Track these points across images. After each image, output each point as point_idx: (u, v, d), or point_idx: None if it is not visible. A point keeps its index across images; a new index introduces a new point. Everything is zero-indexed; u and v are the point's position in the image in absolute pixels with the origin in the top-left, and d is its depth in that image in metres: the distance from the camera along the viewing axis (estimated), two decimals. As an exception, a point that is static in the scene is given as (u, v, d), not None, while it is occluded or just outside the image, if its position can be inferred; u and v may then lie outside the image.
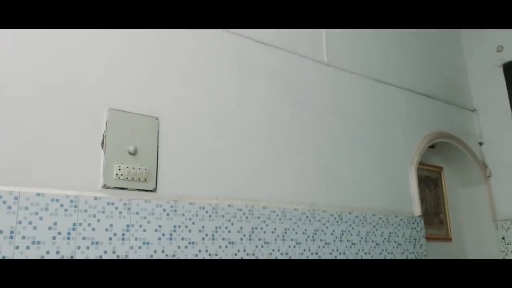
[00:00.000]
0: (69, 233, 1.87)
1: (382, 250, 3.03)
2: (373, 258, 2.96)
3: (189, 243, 2.21)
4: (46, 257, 1.80)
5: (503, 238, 3.89)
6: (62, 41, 2.06)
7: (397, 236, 3.16)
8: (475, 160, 4.06)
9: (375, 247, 3.00)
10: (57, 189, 1.89)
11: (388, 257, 3.05)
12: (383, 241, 3.06)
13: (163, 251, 2.10)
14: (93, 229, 1.94)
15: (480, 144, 4.18)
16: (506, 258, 3.84)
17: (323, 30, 3.20)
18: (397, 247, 3.12)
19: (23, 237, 1.77)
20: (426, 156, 3.79)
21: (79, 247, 1.88)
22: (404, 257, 3.14)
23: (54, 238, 1.83)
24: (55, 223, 1.85)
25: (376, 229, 3.05)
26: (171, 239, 2.15)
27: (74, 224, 1.89)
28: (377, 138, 3.32)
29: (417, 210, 3.37)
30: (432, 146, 3.85)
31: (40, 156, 1.90)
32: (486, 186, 4.05)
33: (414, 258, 3.21)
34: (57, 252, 1.83)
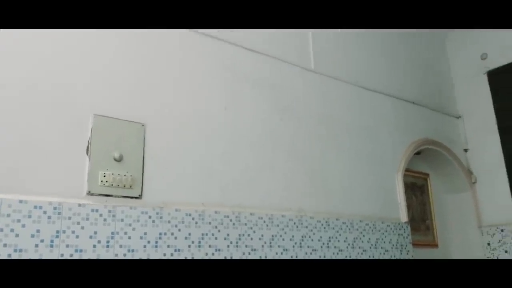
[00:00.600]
0: (52, 241, 1.84)
1: (369, 256, 3.04)
2: (360, 264, 2.97)
3: (175, 250, 2.19)
4: (28, 265, 1.76)
5: (488, 244, 3.93)
6: (47, 47, 2.04)
7: (384, 242, 3.17)
8: (461, 166, 4.10)
9: (362, 253, 3.00)
10: (40, 196, 1.86)
11: (375, 264, 3.06)
12: (370, 247, 3.07)
13: (148, 259, 2.08)
14: (77, 237, 1.91)
15: (465, 150, 4.22)
16: (492, 263, 3.88)
17: (310, 37, 3.22)
18: (384, 253, 3.13)
19: (5, 245, 1.73)
20: (413, 162, 3.82)
21: (62, 255, 1.85)
22: (391, 263, 3.15)
23: (36, 245, 1.80)
24: (38, 231, 1.82)
25: (363, 235, 3.05)
26: (156, 246, 2.13)
27: (57, 232, 1.86)
28: (363, 144, 3.34)
29: (403, 216, 3.39)
30: (418, 153, 3.88)
31: (23, 162, 1.87)
32: (471, 193, 4.08)
33: (401, 264, 3.22)
34: (40, 260, 1.80)
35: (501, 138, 3.98)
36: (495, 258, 3.86)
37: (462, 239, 4.08)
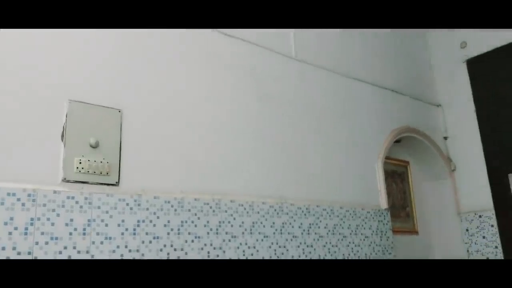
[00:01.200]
0: (26, 228, 1.80)
1: (349, 242, 3.06)
2: (340, 250, 2.98)
3: (154, 238, 2.17)
4: (2, 253, 1.73)
5: (466, 230, 4.00)
6: (21, 30, 1.99)
7: (364, 228, 3.19)
8: (440, 154, 4.15)
9: (342, 240, 3.02)
10: (13, 183, 1.82)
11: (355, 250, 3.08)
12: (350, 234, 3.09)
13: (126, 246, 2.06)
14: (52, 224, 1.87)
15: (445, 138, 4.27)
16: (469, 249, 3.95)
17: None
18: (364, 240, 3.16)
19: (-23, 233, 1.70)
20: (393, 150, 3.85)
21: (37, 243, 1.82)
22: (371, 249, 3.18)
23: (10, 233, 1.76)
24: (11, 218, 1.78)
25: (344, 222, 3.07)
26: (134, 234, 2.10)
27: (32, 219, 1.83)
28: (344, 132, 3.34)
29: (383, 203, 3.42)
30: (398, 141, 3.91)
31: (-5, 148, 1.82)
32: (450, 180, 4.14)
33: (381, 250, 3.25)
34: (14, 248, 1.76)
35: (479, 126, 4.03)
36: (473, 243, 3.93)
37: (441, 226, 4.14)
